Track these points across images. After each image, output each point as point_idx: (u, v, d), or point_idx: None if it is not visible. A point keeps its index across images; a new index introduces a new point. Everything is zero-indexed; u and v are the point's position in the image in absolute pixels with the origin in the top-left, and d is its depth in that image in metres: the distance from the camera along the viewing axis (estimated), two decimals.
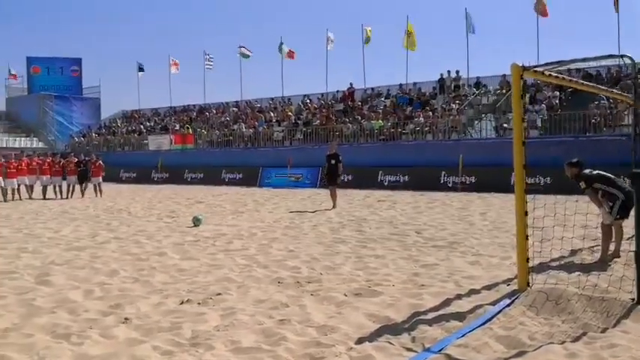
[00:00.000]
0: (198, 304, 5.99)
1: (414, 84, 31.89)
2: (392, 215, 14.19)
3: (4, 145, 39.48)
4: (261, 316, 5.47)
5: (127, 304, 5.99)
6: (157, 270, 7.79)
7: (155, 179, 33.01)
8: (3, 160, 20.95)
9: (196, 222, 12.63)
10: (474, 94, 28.09)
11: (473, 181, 22.43)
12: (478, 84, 28.90)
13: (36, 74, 48.47)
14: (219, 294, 6.34)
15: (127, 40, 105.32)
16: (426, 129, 26.49)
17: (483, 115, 26.41)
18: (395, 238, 10.34)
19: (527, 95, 25.06)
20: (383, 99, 31.86)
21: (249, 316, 5.47)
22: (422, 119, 26.78)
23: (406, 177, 24.21)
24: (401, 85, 32.34)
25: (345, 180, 24.83)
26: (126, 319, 5.47)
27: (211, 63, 42.47)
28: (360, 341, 4.74)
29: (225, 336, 4.92)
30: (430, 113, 27.22)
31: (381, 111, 29.60)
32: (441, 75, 30.42)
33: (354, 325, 5.16)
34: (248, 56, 40.75)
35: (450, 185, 22.64)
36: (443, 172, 23.09)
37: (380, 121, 27.98)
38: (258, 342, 4.78)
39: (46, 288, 6.80)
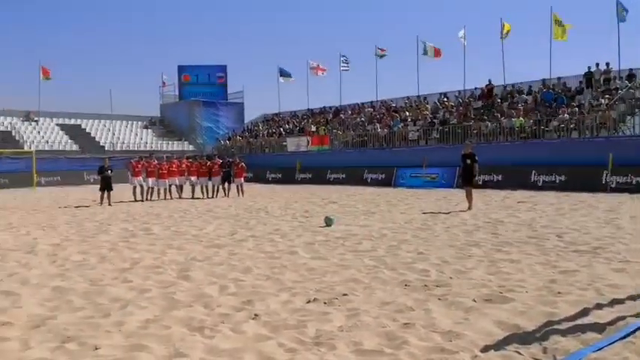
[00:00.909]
0: (325, 303, 6.08)
1: (558, 79, 30.13)
2: (531, 217, 13.51)
3: (159, 149, 42.70)
4: (385, 319, 5.44)
5: (258, 301, 6.22)
6: (288, 268, 8.02)
7: (299, 180, 33.97)
8: (156, 162, 22.75)
9: (328, 222, 12.85)
10: (626, 87, 25.97)
11: (625, 181, 20.79)
12: (631, 76, 26.68)
13: (186, 82, 51.88)
14: (345, 294, 6.39)
15: (268, 45, 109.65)
16: (572, 126, 24.93)
17: (637, 110, 24.34)
18: (533, 242, 9.83)
19: None
20: (524, 95, 30.46)
21: (373, 318, 5.45)
22: (567, 116, 25.24)
23: (562, 177, 22.95)
24: (544, 80, 30.70)
25: (494, 180, 24.21)
26: (256, 315, 5.68)
27: (347, 65, 43.00)
28: (486, 349, 4.55)
29: (348, 337, 4.94)
30: (576, 109, 25.58)
31: (522, 108, 28.30)
32: (589, 68, 28.47)
33: (482, 332, 4.97)
34: (383, 55, 40.71)
35: (613, 186, 21.06)
36: (605, 172, 21.50)
37: (521, 119, 26.76)
38: (380, 345, 4.75)
39: (186, 283, 7.25)
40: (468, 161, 16.08)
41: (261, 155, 39.37)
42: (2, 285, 7.23)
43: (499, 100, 31.03)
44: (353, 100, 44.04)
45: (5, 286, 7.13)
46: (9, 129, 41.82)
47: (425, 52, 37.44)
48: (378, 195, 22.34)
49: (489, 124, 27.87)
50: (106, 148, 42.87)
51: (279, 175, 35.65)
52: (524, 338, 4.78)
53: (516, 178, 23.92)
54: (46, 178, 36.10)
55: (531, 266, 7.79)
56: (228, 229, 12.63)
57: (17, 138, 40.76)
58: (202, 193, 23.69)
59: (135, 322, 5.49)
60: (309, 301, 6.16)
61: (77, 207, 19.78)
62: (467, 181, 16.28)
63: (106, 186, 20.38)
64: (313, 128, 38.83)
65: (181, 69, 52.09)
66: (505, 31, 33.72)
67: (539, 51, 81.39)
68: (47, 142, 41.56)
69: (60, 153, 39.78)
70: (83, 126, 46.58)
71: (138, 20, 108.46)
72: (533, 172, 23.80)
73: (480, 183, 23.82)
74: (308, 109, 45.49)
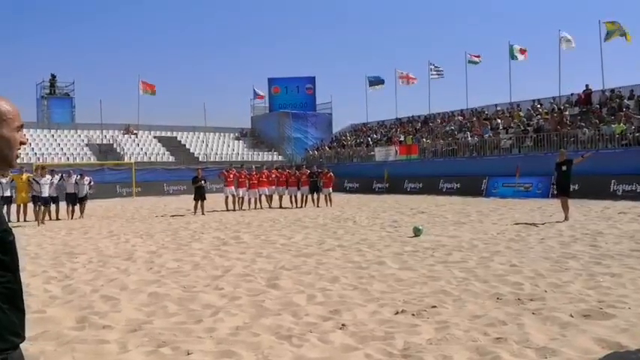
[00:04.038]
0: (413, 315, 5.98)
1: None
2: (634, 229, 12.73)
3: (250, 159, 43.80)
4: (476, 333, 5.27)
5: (345, 311, 6.20)
6: (376, 279, 7.96)
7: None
8: (246, 172, 23.38)
9: (417, 232, 12.67)
10: None
11: None
12: None
13: (276, 94, 52.99)
14: (435, 306, 6.26)
15: (356, 55, 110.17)
16: None
17: None
18: (636, 255, 9.25)
19: None
20: (626, 100, 28.85)
21: (464, 332, 5.30)
22: None
23: None
24: None
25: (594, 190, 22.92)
26: (343, 325, 5.66)
27: (440, 71, 42.39)
28: None
29: (437, 350, 4.82)
30: None
31: (622, 113, 26.81)
32: None
33: (580, 350, 4.71)
34: (476, 62, 39.92)
35: None
36: None
37: (622, 125, 25.36)
38: (471, 359, 4.61)
39: (275, 291, 7.34)
40: (564, 168, 15.39)
41: (349, 165, 39.45)
42: (103, 290, 7.62)
43: (597, 106, 29.59)
44: (442, 108, 43.35)
45: (106, 291, 7.51)
46: (111, 141, 44.26)
47: (513, 57, 36.48)
48: (469, 205, 21.82)
49: (587, 130, 26.60)
50: (200, 159, 44.42)
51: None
52: (627, 358, 4.50)
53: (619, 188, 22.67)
54: (173, 187, 38.03)
55: (634, 281, 7.33)
56: (316, 239, 12.72)
57: (118, 150, 43.05)
58: (291, 202, 24.05)
59: (225, 329, 5.63)
60: (397, 313, 6.08)
61: (172, 216, 20.59)
62: (563, 190, 15.56)
63: (199, 196, 21.11)
64: (401, 137, 38.53)
65: (271, 81, 53.26)
66: (609, 32, 31.98)
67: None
68: (145, 153, 43.61)
69: (157, 164, 41.62)
70: (179, 138, 48.50)
71: (228, 36, 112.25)
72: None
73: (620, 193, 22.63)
74: (396, 119, 45.23)
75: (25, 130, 1.93)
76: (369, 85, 47.15)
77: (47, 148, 40.46)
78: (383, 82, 46.86)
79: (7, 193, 17.48)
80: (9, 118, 1.82)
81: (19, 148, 1.87)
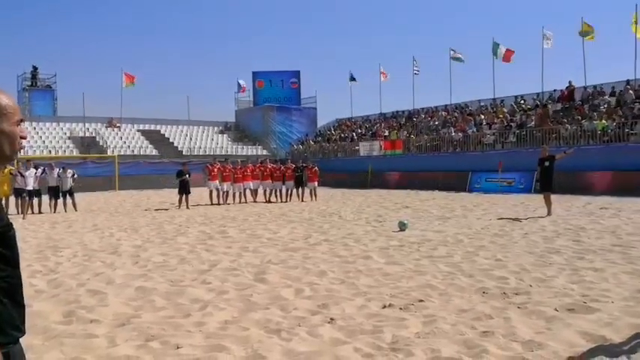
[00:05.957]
0: (400, 309, 6.03)
1: None
2: (615, 225, 12.91)
3: (234, 153, 43.63)
4: (463, 326, 5.34)
5: (333, 305, 6.24)
6: (363, 273, 8.00)
7: (371, 184, 33.29)
8: (231, 166, 23.31)
9: (402, 227, 12.74)
10: None
11: None
12: None
13: (260, 88, 52.77)
14: (421, 300, 6.32)
15: (340, 49, 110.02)
16: None
17: None
18: (617, 250, 9.39)
19: None
20: (607, 97, 29.16)
21: (451, 326, 5.36)
22: None
23: None
24: (628, 81, 29.27)
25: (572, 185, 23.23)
26: (331, 319, 5.70)
27: (417, 69, 42.48)
28: None
29: (425, 343, 4.88)
30: None
31: (604, 110, 27.11)
32: None
33: (565, 343, 4.79)
34: (460, 59, 39.82)
35: None
36: None
37: (603, 121, 25.65)
38: (459, 353, 4.66)
39: (263, 285, 7.36)
40: (546, 163, 15.55)
41: (333, 159, 39.48)
42: (89, 284, 7.58)
43: (580, 102, 29.90)
44: (426, 103, 43.48)
45: (92, 285, 7.48)
46: (94, 134, 43.84)
47: (497, 54, 36.40)
48: (453, 200, 21.97)
49: (569, 127, 26.87)
50: (184, 153, 44.18)
51: (351, 180, 35.28)
52: (611, 351, 4.58)
53: (596, 183, 22.94)
54: (157, 180, 37.16)
55: (616, 275, 7.45)
56: (302, 233, 12.74)
57: (101, 143, 42.66)
58: (275, 196, 24.03)
59: (214, 323, 5.64)
60: (384, 307, 6.13)
61: (157, 210, 20.49)
62: (545, 185, 15.73)
63: (184, 190, 21.02)
64: (386, 132, 38.64)
65: (255, 75, 53.01)
66: (585, 31, 32.37)
67: (625, 51, 77.75)
68: (129, 147, 43.26)
69: (140, 158, 41.31)
70: (162, 131, 48.16)
71: (213, 29, 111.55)
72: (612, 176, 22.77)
73: None
74: (380, 113, 45.34)
75: None
76: (350, 80, 47.28)
77: (29, 141, 39.89)
78: (355, 79, 47.21)
79: None
80: (9, 112, 1.81)
81: (20, 142, 1.86)
